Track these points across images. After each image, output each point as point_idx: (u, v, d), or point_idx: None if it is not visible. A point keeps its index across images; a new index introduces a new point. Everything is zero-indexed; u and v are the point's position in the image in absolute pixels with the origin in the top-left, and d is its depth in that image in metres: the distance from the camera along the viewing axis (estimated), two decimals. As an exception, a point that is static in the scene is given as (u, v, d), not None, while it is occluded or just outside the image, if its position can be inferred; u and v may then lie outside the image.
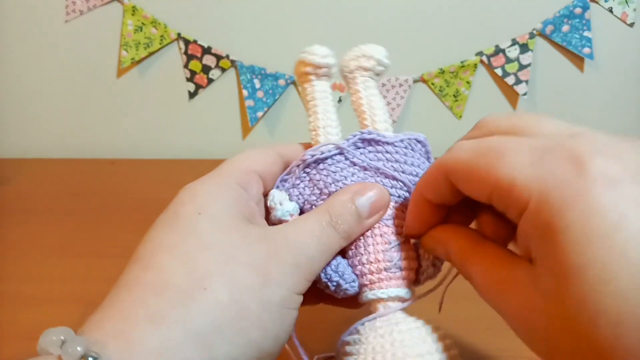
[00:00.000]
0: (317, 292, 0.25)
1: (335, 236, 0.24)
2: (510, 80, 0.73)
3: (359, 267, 0.25)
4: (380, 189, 0.25)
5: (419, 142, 0.27)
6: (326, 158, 0.26)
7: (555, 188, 0.16)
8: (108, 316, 0.19)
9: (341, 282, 0.24)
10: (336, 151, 0.26)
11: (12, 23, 0.71)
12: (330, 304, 0.27)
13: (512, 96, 0.75)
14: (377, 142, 0.26)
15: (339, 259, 0.25)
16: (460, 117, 0.75)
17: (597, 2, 0.71)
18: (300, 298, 0.23)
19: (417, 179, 0.26)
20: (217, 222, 0.22)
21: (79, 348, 0.17)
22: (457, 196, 0.22)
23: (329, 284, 0.24)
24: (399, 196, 0.26)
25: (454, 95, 0.74)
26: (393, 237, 0.25)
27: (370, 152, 0.26)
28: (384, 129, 0.27)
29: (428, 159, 0.27)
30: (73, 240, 0.51)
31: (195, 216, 0.22)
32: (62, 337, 0.17)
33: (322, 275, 0.24)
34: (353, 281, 0.25)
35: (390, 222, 0.25)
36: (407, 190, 0.26)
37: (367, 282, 0.25)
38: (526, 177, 0.17)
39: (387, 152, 0.26)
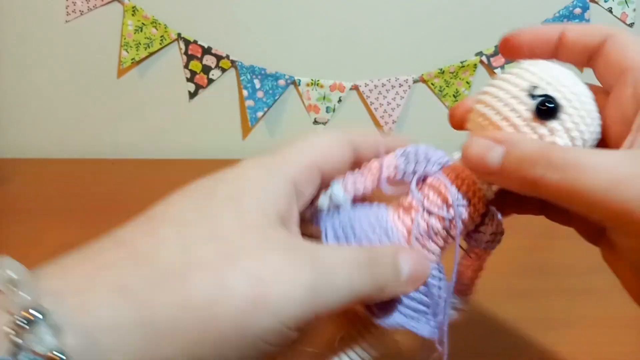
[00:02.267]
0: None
1: (370, 283, 0.20)
2: (510, 80, 0.73)
3: None
4: (421, 261, 0.22)
5: None
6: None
7: None
8: (72, 260, 0.17)
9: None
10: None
11: (13, 23, 0.71)
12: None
13: (512, 96, 0.75)
14: None
15: None
16: (460, 117, 0.75)
17: (596, 3, 0.71)
18: (294, 335, 0.18)
19: None
20: (243, 217, 0.19)
21: (25, 295, 0.15)
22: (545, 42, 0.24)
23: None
24: None
25: (454, 96, 0.74)
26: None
27: None
28: None
29: None
30: (73, 240, 0.51)
31: (225, 200, 0.19)
32: (14, 275, 0.16)
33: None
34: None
35: None
36: None
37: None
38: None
39: None
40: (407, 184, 0.23)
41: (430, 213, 0.22)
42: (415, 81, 0.73)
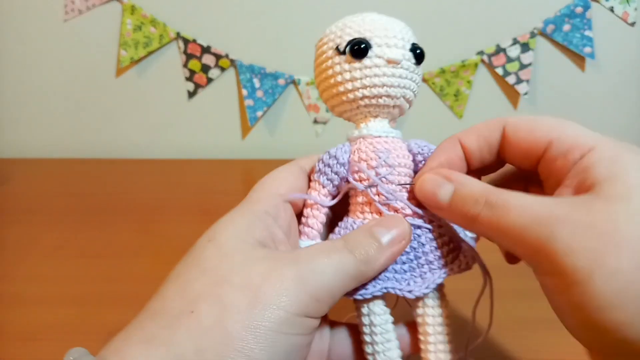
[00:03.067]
0: None
1: (351, 258, 0.22)
2: (511, 79, 0.73)
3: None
4: (398, 221, 0.24)
5: None
6: None
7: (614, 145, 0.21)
8: (116, 338, 0.20)
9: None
10: None
11: (11, 23, 0.71)
12: None
13: (513, 95, 0.75)
14: None
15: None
16: (461, 116, 0.75)
17: (598, 2, 0.70)
18: (309, 322, 0.21)
19: None
20: (222, 247, 0.22)
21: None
22: (489, 152, 0.25)
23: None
24: None
25: (455, 95, 0.74)
26: None
27: None
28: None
29: None
30: (73, 240, 0.51)
31: (205, 244, 0.22)
32: (72, 358, 0.19)
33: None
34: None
35: None
36: None
37: None
38: (591, 135, 0.22)
39: None
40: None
41: (375, 180, 0.25)
42: (415, 80, 0.73)
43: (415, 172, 0.26)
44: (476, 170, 0.26)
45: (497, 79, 0.74)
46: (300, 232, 0.26)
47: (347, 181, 0.26)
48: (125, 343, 0.19)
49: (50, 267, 0.46)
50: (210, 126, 0.76)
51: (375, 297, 0.24)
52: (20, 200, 0.61)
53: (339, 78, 0.25)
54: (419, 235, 0.25)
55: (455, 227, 0.25)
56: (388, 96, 0.25)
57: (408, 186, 0.25)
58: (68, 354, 0.19)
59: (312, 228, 0.26)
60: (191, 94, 0.74)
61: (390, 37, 0.25)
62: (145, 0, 0.70)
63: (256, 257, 0.21)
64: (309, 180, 0.27)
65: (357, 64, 0.25)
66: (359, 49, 0.25)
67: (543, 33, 0.71)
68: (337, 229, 0.26)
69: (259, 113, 0.73)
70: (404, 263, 0.24)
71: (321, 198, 0.26)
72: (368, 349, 0.24)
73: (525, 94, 0.73)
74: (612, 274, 0.18)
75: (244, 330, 0.19)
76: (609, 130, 0.77)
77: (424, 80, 0.73)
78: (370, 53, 0.25)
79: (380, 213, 0.25)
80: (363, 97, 0.25)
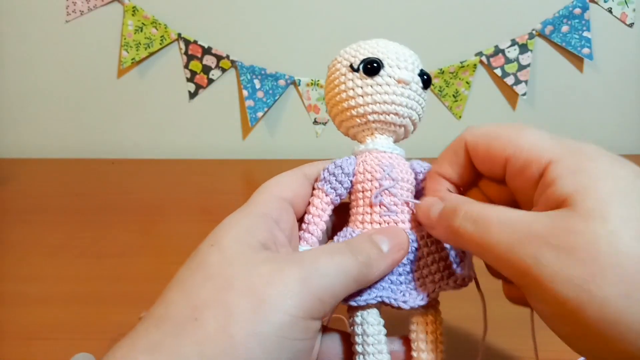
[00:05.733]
0: None
1: (353, 260, 0.22)
2: (509, 80, 0.73)
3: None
4: (397, 231, 0.25)
5: None
6: None
7: (575, 151, 0.21)
8: (121, 345, 0.20)
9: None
10: None
11: (13, 23, 0.71)
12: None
13: (511, 96, 0.75)
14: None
15: None
16: (460, 117, 0.75)
17: (596, 3, 0.71)
18: (313, 325, 0.21)
19: None
20: (225, 251, 0.21)
21: None
22: (468, 171, 0.25)
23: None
24: None
25: (454, 96, 0.74)
26: None
27: None
28: None
29: None
30: (73, 240, 0.51)
31: (208, 249, 0.22)
32: None
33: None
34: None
35: None
36: None
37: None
38: (547, 145, 0.21)
39: None
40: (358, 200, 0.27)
41: (376, 192, 0.26)
42: (415, 81, 0.73)
43: (417, 190, 0.27)
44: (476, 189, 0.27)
45: (496, 79, 0.74)
46: (300, 238, 0.26)
47: (351, 192, 0.27)
48: (130, 350, 0.19)
49: (51, 266, 0.46)
50: (211, 127, 0.77)
51: (369, 306, 0.25)
52: (20, 200, 0.61)
53: (350, 93, 0.27)
54: (416, 249, 0.25)
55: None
56: (396, 114, 0.27)
57: (410, 202, 0.26)
58: (74, 358, 0.19)
59: (312, 234, 0.26)
60: (192, 95, 0.74)
61: (401, 60, 0.27)
62: (147, 2, 0.70)
63: (259, 260, 0.21)
64: (313, 188, 0.27)
65: (369, 81, 0.26)
66: (372, 67, 0.26)
67: (541, 34, 0.72)
68: (336, 238, 0.27)
69: (260, 114, 0.74)
70: (400, 274, 0.25)
71: (323, 206, 0.26)
72: (359, 359, 0.24)
73: (524, 94, 0.73)
74: (601, 305, 0.17)
75: (249, 336, 0.19)
76: (607, 131, 0.78)
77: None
78: (382, 72, 0.26)
79: (380, 224, 0.26)
80: (372, 113, 0.27)
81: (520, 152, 0.22)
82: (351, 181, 0.27)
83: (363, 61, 0.26)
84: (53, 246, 0.50)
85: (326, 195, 0.26)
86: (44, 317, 0.39)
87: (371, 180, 0.26)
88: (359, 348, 0.24)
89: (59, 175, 0.69)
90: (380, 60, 0.26)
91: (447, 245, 0.26)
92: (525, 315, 0.35)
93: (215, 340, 0.19)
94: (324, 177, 0.27)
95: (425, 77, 0.28)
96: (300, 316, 0.20)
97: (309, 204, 0.27)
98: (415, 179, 0.27)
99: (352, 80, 0.27)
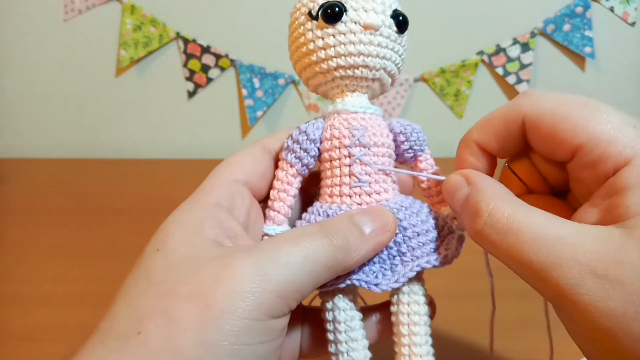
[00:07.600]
0: None
1: (326, 243, 0.20)
2: (511, 79, 0.73)
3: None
4: (383, 211, 0.22)
5: None
6: None
7: None
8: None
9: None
10: None
11: (11, 22, 0.71)
12: None
13: (513, 95, 0.75)
14: None
15: None
16: (461, 116, 0.75)
17: (598, 2, 0.70)
18: (275, 325, 0.18)
19: None
20: (170, 255, 0.19)
21: None
22: (516, 146, 0.22)
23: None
24: None
25: (455, 95, 0.74)
26: None
27: None
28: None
29: None
30: (73, 240, 0.51)
31: (152, 254, 0.20)
32: None
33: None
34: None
35: None
36: None
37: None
38: (631, 139, 0.18)
39: None
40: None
41: (350, 160, 0.23)
42: (416, 80, 0.73)
43: (397, 153, 0.24)
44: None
45: (497, 78, 0.74)
46: (265, 217, 0.24)
47: (320, 161, 0.24)
48: None
49: (50, 267, 0.46)
50: (210, 126, 0.76)
51: (338, 290, 0.22)
52: (20, 200, 0.60)
53: (311, 46, 0.23)
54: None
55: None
56: (366, 67, 0.23)
57: (388, 170, 0.23)
58: None
59: (278, 212, 0.23)
60: (191, 94, 0.74)
61: (368, 1, 0.23)
62: (145, 0, 0.70)
63: (206, 259, 0.19)
64: (277, 160, 0.24)
65: (330, 30, 0.22)
66: (332, 13, 0.22)
67: (543, 33, 0.71)
68: (305, 215, 0.24)
69: (259, 113, 0.73)
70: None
71: (289, 179, 0.23)
72: (331, 348, 0.22)
73: (526, 93, 0.73)
74: (637, 340, 0.16)
75: (198, 348, 0.17)
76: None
77: (424, 80, 0.73)
78: (344, 18, 0.22)
79: (350, 197, 0.23)
80: (337, 67, 0.23)
81: (597, 143, 0.18)
82: (318, 148, 0.23)
83: (322, 6, 0.22)
84: (52, 246, 0.50)
85: (291, 167, 0.23)
86: (43, 317, 0.39)
87: (339, 148, 0.23)
88: (330, 336, 0.22)
89: (58, 175, 0.68)
90: (342, 4, 0.22)
91: (430, 216, 0.23)
92: (525, 315, 0.35)
93: (161, 356, 0.17)
94: (288, 146, 0.23)
95: (400, 18, 0.23)
96: (257, 318, 0.18)
97: (273, 177, 0.24)
98: (395, 140, 0.24)
99: (312, 30, 0.23)
